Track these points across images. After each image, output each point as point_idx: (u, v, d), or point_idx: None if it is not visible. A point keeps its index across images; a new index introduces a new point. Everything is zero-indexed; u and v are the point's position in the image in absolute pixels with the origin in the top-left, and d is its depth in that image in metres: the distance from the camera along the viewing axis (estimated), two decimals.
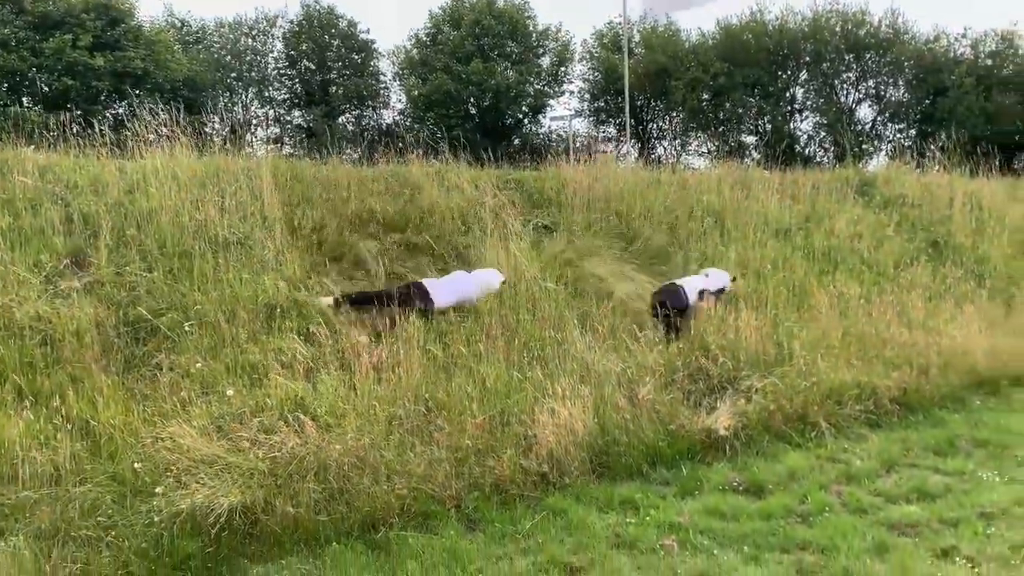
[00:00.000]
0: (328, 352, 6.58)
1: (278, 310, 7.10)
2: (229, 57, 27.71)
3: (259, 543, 4.98)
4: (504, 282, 8.08)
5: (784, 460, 6.38)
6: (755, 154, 26.16)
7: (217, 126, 21.43)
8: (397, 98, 29.74)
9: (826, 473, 6.18)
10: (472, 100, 27.53)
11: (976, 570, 4.59)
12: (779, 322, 8.64)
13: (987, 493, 5.68)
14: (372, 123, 29.46)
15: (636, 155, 27.67)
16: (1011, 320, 9.74)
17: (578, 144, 26.67)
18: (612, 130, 30.41)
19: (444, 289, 7.69)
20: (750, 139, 29.47)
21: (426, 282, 7.72)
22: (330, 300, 7.33)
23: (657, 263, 9.48)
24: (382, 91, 29.56)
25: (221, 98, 26.06)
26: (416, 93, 27.25)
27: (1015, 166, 17.54)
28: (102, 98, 21.60)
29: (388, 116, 29.80)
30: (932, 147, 15.27)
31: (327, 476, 5.32)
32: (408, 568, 4.72)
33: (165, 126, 9.06)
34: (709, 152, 28.71)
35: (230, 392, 6.02)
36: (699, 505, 5.61)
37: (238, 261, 7.64)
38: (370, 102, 29.24)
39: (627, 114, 26.92)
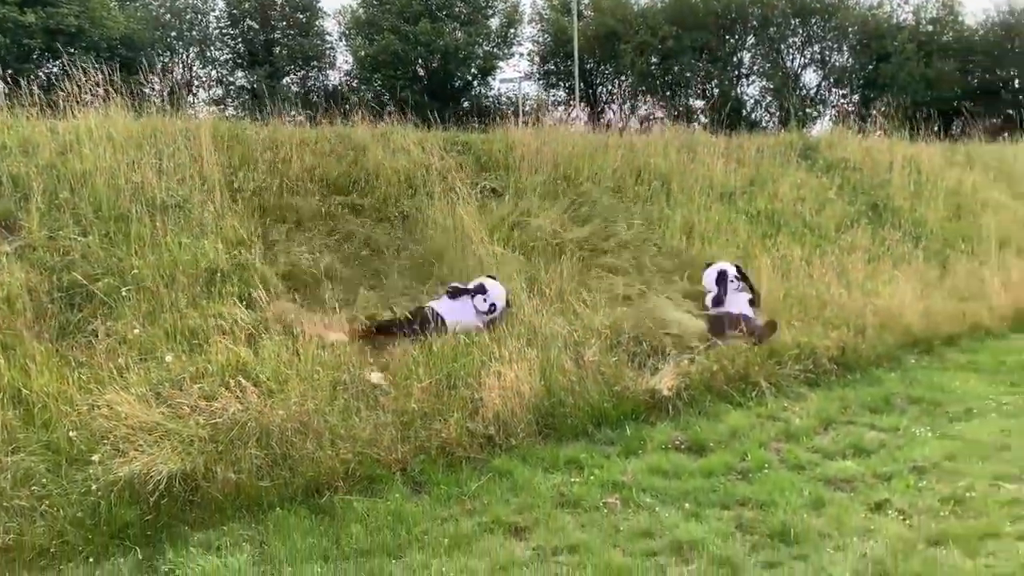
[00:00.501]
0: (270, 317, 6.47)
1: (218, 275, 6.96)
2: (168, 15, 26.83)
3: (200, 510, 4.91)
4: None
5: (726, 419, 6.50)
6: (703, 118, 26.34)
7: (157, 87, 20.78)
8: (344, 59, 29.20)
9: (766, 431, 6.32)
10: (420, 61, 27.17)
11: (907, 522, 4.75)
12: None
13: (919, 448, 5.86)
14: (318, 84, 28.89)
15: (585, 119, 27.62)
16: (945, 282, 10.02)
17: (528, 107, 26.53)
18: (562, 93, 30.32)
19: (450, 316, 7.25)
20: (698, 103, 29.67)
21: (438, 307, 7.27)
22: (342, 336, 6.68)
23: (604, 225, 9.49)
24: (328, 52, 28.99)
25: (160, 58, 25.25)
26: (363, 54, 26.79)
27: (953, 131, 17.95)
28: (34, 56, 20.78)
29: (334, 77, 29.26)
30: (874, 112, 15.56)
31: (270, 442, 5.26)
32: (352, 531, 4.71)
33: (100, 85, 8.75)
34: (659, 118, 28.79)
35: (169, 358, 5.89)
36: (642, 464, 5.69)
37: (177, 224, 7.45)
38: (315, 63, 28.65)
39: (576, 77, 26.84)
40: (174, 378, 5.73)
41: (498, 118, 13.98)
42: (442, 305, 7.32)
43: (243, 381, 5.64)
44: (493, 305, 7.39)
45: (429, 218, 8.59)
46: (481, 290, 7.40)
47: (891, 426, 6.43)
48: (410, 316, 7.15)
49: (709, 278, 8.50)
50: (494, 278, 7.70)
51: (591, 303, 7.88)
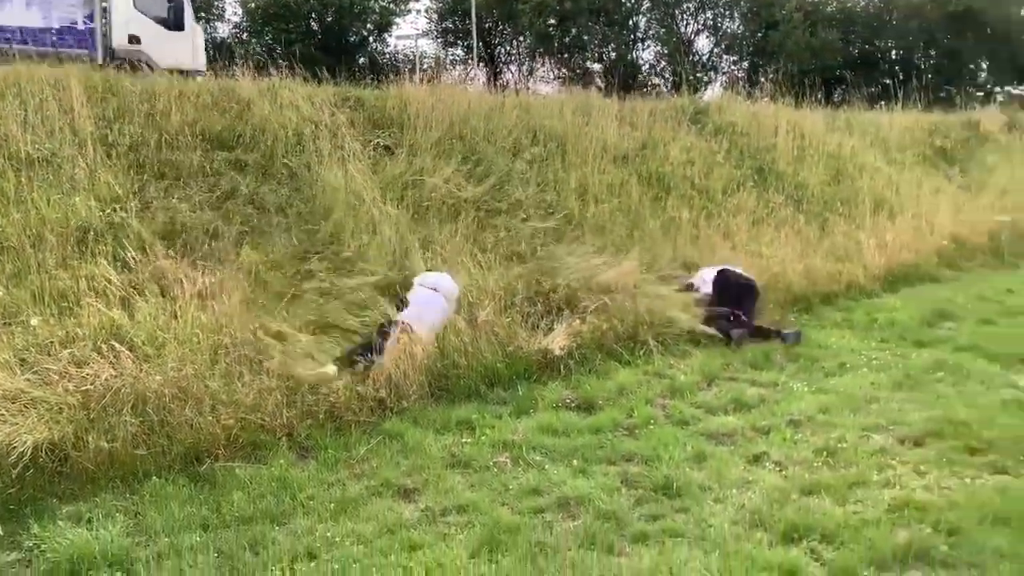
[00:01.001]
0: (146, 279, 6.16)
1: (91, 234, 6.59)
2: None
3: (69, 481, 4.67)
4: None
5: (615, 377, 6.62)
6: (600, 81, 26.51)
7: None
8: (233, 10, 27.86)
9: (653, 388, 6.47)
10: (313, 15, 26.20)
11: (783, 473, 4.95)
12: (616, 246, 8.90)
13: (796, 402, 6.12)
14: (205, 37, 27.50)
15: (484, 79, 27.36)
16: (824, 243, 10.45)
17: (425, 65, 26.04)
18: (460, 52, 29.91)
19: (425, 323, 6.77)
20: (595, 66, 29.80)
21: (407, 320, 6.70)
22: (332, 369, 6.16)
23: (499, 185, 9.43)
24: (216, 2, 27.58)
25: None
26: (253, 5, 25.63)
27: (834, 99, 18.66)
28: None
29: (223, 29, 27.91)
30: (763, 79, 15.99)
31: (145, 408, 5.04)
32: (234, 499, 4.57)
33: None
34: (557, 78, 28.82)
35: (35, 322, 5.56)
36: (533, 423, 5.74)
37: (45, 181, 7.01)
38: (203, 14, 27.22)
39: (474, 37, 26.48)
40: (41, 343, 5.42)
41: (394, 75, 13.67)
42: (410, 313, 6.83)
43: (117, 346, 5.38)
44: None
45: (318, 176, 8.32)
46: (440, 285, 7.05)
47: (770, 381, 6.69)
48: (382, 331, 6.57)
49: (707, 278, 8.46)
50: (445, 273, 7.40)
51: (486, 263, 7.85)
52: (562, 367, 6.68)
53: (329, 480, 4.91)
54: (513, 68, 30.24)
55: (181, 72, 11.29)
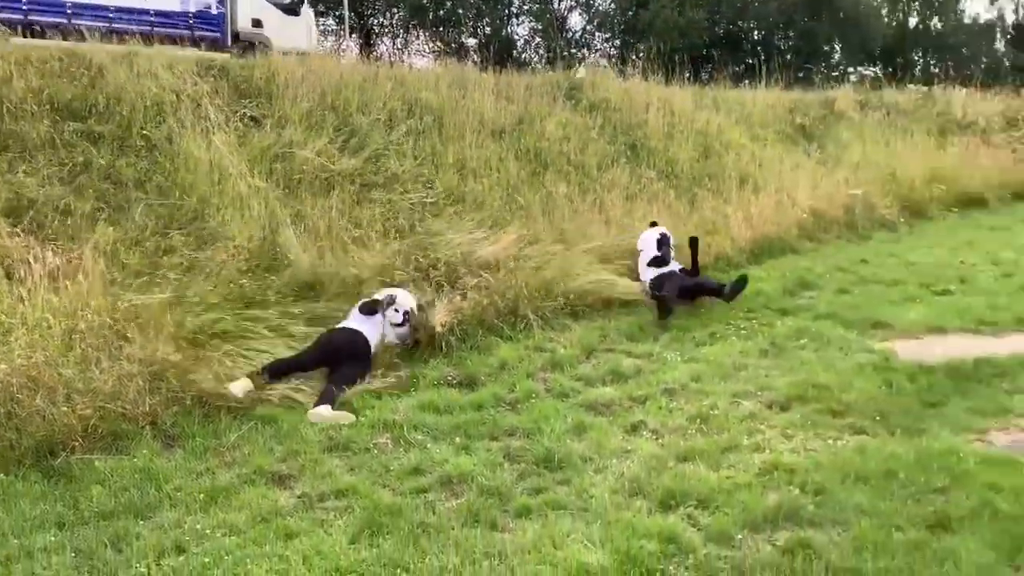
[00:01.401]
0: None
1: None
2: None
3: None
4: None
5: (496, 352, 6.60)
6: (475, 56, 26.36)
7: None
8: None
9: (533, 362, 6.49)
10: None
11: (660, 441, 5.07)
12: (496, 220, 8.87)
13: (670, 372, 6.28)
14: None
15: (356, 50, 26.69)
16: (694, 217, 10.77)
17: None
18: (332, 22, 29.05)
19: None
20: (471, 40, 29.64)
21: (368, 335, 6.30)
22: (245, 384, 5.64)
23: (375, 158, 9.21)
24: None
25: None
26: None
27: (702, 77, 19.25)
28: None
29: None
30: (634, 56, 16.29)
31: None
32: (93, 494, 4.27)
33: None
34: (432, 52, 28.47)
35: None
36: (414, 402, 5.65)
37: None
38: None
39: (346, 7, 25.74)
40: None
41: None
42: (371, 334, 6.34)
43: None
44: (407, 313, 6.60)
45: (180, 148, 7.87)
46: (391, 301, 6.58)
47: (645, 352, 6.84)
48: (319, 350, 6.15)
49: (649, 240, 8.71)
50: (400, 286, 7.01)
51: (363, 239, 7.66)
52: (444, 344, 6.60)
53: (197, 469, 4.66)
54: (387, 41, 29.68)
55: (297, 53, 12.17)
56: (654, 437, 5.13)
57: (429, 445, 5.04)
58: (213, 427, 5.14)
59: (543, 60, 28.58)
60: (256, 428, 5.17)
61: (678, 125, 13.41)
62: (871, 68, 19.61)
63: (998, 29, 41.22)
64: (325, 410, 5.38)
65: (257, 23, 16.54)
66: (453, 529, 4.02)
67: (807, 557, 3.61)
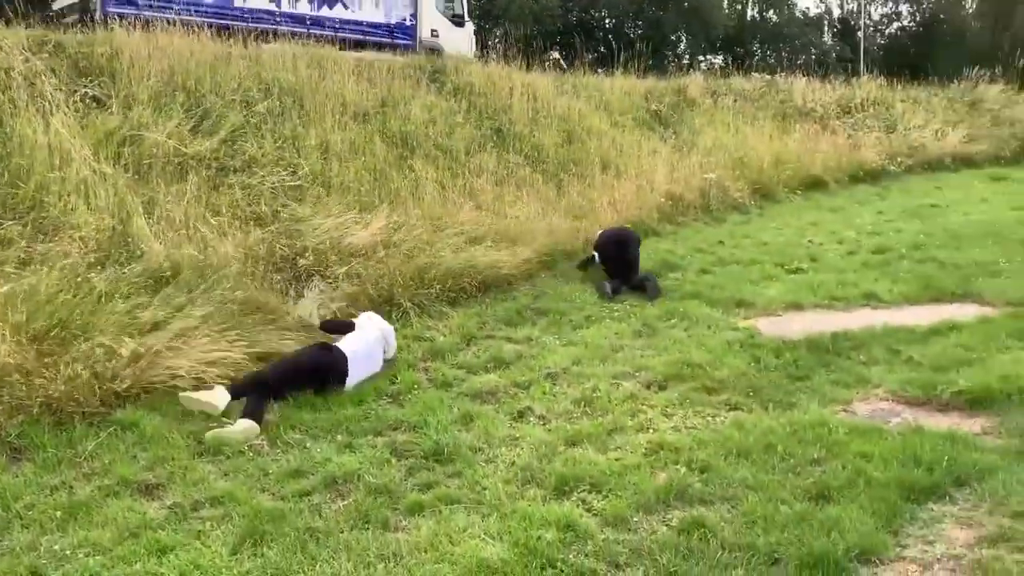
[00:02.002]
0: None
1: None
2: None
3: None
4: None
5: None
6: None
7: None
8: None
9: (413, 352, 6.33)
10: None
11: (547, 427, 5.04)
12: (363, 205, 8.60)
13: (550, 356, 6.28)
14: None
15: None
16: (562, 202, 10.86)
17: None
18: None
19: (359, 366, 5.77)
20: None
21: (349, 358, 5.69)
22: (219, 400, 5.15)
23: (232, 141, 8.70)
24: None
25: None
26: None
27: (562, 63, 19.43)
28: None
29: None
30: (491, 41, 16.26)
31: None
32: None
33: None
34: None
35: None
36: (289, 399, 5.35)
37: None
38: None
39: None
40: None
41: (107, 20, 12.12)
42: (352, 344, 5.77)
43: None
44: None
45: (14, 131, 7.12)
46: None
47: (525, 337, 6.81)
48: (303, 363, 5.57)
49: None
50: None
51: (222, 227, 7.21)
52: (318, 336, 6.31)
53: (51, 484, 4.23)
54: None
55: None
56: (541, 423, 5.11)
57: (308, 444, 4.80)
58: (66, 436, 4.67)
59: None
60: (116, 434, 4.74)
61: (542, 111, 13.48)
62: (717, 57, 20.49)
63: (825, 22, 44.31)
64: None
65: (434, 32, 20.02)
66: (342, 532, 3.83)
67: (702, 536, 3.67)
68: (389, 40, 18.64)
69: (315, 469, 4.48)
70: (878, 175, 16.22)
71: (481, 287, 8.01)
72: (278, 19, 16.53)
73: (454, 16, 20.96)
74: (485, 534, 3.74)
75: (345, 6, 18.20)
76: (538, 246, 8.96)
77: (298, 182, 8.58)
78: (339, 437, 4.86)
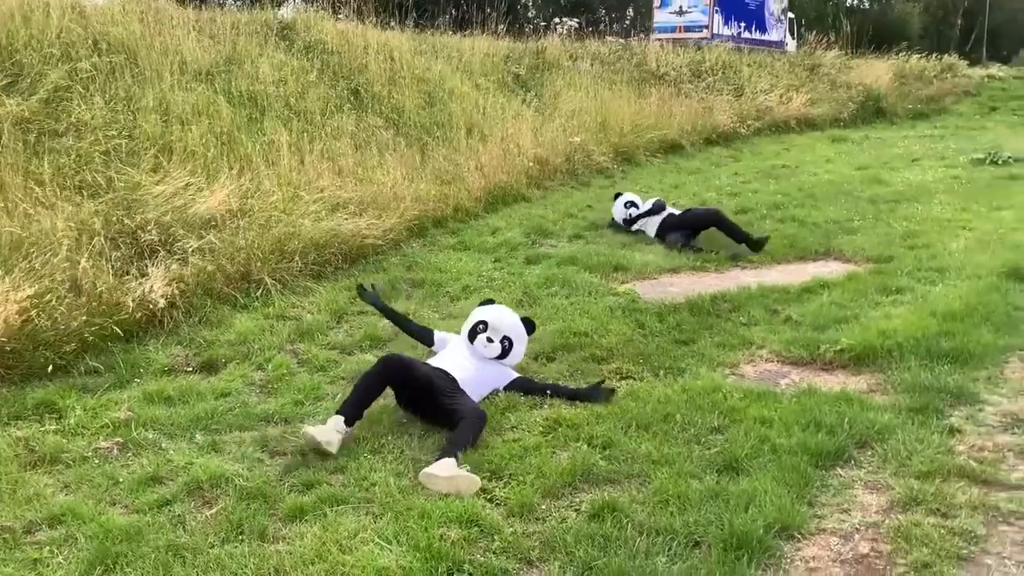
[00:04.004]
0: None
1: None
2: None
3: None
4: None
5: (232, 325, 5.77)
6: None
7: None
8: None
9: (278, 333, 5.76)
10: None
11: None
12: (211, 172, 7.84)
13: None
14: None
15: None
16: (427, 167, 10.39)
17: None
18: None
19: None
20: None
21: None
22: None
23: (55, 102, 7.68)
24: None
25: None
26: None
27: (421, 22, 18.76)
28: None
29: None
30: None
31: None
32: None
33: None
34: None
35: None
36: (139, 393, 4.72)
37: None
38: None
39: None
40: None
41: None
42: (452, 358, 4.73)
43: None
44: (507, 339, 4.89)
45: None
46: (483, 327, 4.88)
47: (401, 311, 6.34)
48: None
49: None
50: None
51: (47, 199, 6.32)
52: (167, 320, 5.63)
53: None
54: None
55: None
56: None
57: (165, 445, 4.21)
58: None
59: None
60: None
61: (400, 71, 12.87)
62: (573, 21, 20.47)
63: None
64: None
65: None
66: (212, 547, 3.32)
67: (616, 521, 3.42)
68: (779, 51, 22.91)
69: (175, 474, 3.92)
70: (730, 138, 16.67)
71: (347, 258, 7.48)
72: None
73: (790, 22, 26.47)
74: (380, 538, 3.34)
75: None
76: (406, 213, 8.48)
77: (135, 148, 7.69)
78: (200, 435, 4.29)
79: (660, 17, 26.33)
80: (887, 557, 3.16)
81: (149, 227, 6.52)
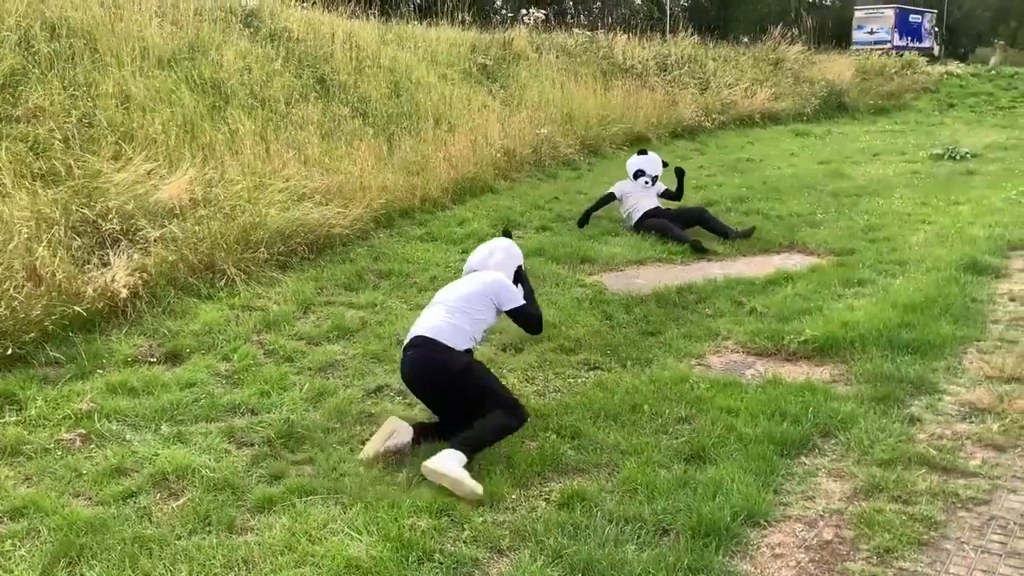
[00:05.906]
0: None
1: None
2: None
3: None
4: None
5: (197, 316, 5.68)
6: None
7: None
8: None
9: (244, 324, 5.69)
10: None
11: (407, 399, 4.65)
12: (173, 161, 7.71)
13: (399, 321, 5.87)
14: None
15: None
16: (394, 157, 10.32)
17: None
18: None
19: None
20: None
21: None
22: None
23: (11, 88, 7.49)
24: None
25: None
26: None
27: (388, 10, 18.59)
28: None
29: None
30: None
31: None
32: None
33: None
34: None
35: None
36: (102, 384, 4.63)
37: None
38: None
39: None
40: None
41: None
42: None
43: None
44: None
45: None
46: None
47: (368, 302, 6.34)
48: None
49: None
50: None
51: (3, 187, 6.17)
52: (130, 311, 5.53)
53: None
54: None
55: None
56: (402, 397, 4.72)
57: (129, 436, 4.15)
58: None
59: None
60: None
61: (366, 60, 12.76)
62: (540, 12, 20.44)
63: None
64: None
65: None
66: (179, 539, 3.29)
67: (585, 509, 3.45)
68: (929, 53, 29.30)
69: (140, 465, 3.86)
70: (695, 131, 16.81)
71: (313, 248, 7.40)
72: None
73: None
74: (349, 528, 3.33)
75: None
76: (373, 203, 8.42)
77: (94, 135, 7.53)
78: (165, 427, 4.23)
79: (858, 36, 35.17)
80: (850, 543, 3.23)
81: (110, 215, 6.39)
